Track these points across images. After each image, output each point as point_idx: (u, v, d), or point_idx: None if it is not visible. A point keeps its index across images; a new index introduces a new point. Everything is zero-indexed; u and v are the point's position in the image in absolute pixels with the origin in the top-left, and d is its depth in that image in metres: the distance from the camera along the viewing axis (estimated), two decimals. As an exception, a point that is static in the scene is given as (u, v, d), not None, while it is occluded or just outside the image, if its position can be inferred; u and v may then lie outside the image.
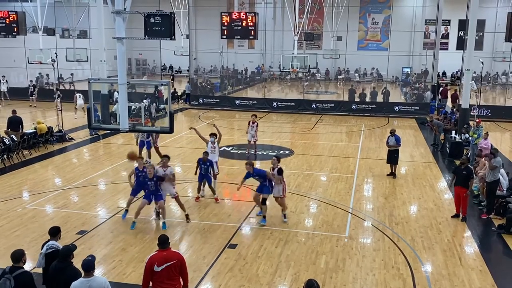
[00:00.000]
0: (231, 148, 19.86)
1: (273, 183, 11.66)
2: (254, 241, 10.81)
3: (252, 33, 25.22)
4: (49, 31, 31.99)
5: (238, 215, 12.39)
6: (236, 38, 29.03)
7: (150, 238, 10.88)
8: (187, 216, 11.86)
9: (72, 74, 37.36)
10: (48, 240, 7.58)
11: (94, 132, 21.82)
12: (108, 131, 20.98)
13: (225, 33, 25.51)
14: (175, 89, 33.85)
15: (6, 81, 32.21)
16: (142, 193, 11.74)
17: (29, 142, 18.47)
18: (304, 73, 34.72)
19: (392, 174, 16.05)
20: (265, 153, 19.18)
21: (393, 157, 15.98)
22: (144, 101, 25.07)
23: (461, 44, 33.53)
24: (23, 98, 31.12)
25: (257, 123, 18.55)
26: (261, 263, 9.78)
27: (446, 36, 43.34)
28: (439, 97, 30.55)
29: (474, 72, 25.28)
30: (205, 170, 13.10)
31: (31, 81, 33.11)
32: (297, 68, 25.46)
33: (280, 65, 26.95)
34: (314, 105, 30.26)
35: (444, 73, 45.68)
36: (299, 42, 29.38)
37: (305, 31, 34.92)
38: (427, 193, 14.49)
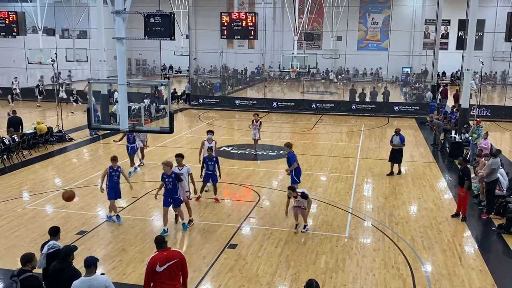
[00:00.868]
0: (231, 148, 19.86)
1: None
2: (254, 241, 10.81)
3: (252, 33, 25.24)
4: (49, 31, 32.04)
5: (238, 215, 12.38)
6: (236, 38, 29.07)
7: (150, 238, 10.81)
8: (190, 221, 11.66)
9: (69, 75, 37.41)
10: (48, 240, 7.56)
11: (94, 132, 21.81)
12: (108, 131, 20.95)
13: (225, 33, 25.53)
14: (174, 89, 33.87)
15: (18, 82, 32.28)
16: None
17: (29, 142, 18.47)
18: (310, 72, 34.22)
19: (392, 174, 16.09)
20: (265, 153, 19.19)
21: (397, 156, 16.06)
22: (145, 100, 25.12)
23: (461, 44, 33.64)
24: (26, 99, 31.21)
25: (260, 121, 18.59)
26: (261, 263, 9.77)
27: (446, 36, 43.37)
28: (439, 97, 30.58)
29: (475, 73, 25.28)
30: (212, 168, 13.04)
31: (39, 81, 33.17)
32: (297, 68, 25.44)
33: (280, 65, 26.95)
34: (314, 105, 30.28)
35: (444, 73, 45.70)
36: (299, 42, 29.38)
37: (305, 31, 34.89)
38: (427, 193, 14.48)
